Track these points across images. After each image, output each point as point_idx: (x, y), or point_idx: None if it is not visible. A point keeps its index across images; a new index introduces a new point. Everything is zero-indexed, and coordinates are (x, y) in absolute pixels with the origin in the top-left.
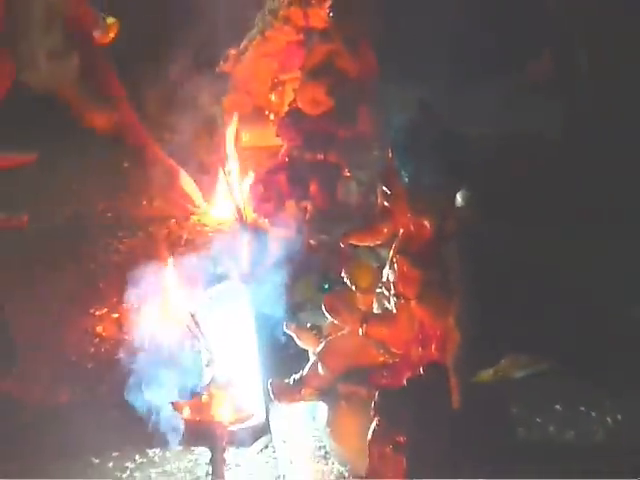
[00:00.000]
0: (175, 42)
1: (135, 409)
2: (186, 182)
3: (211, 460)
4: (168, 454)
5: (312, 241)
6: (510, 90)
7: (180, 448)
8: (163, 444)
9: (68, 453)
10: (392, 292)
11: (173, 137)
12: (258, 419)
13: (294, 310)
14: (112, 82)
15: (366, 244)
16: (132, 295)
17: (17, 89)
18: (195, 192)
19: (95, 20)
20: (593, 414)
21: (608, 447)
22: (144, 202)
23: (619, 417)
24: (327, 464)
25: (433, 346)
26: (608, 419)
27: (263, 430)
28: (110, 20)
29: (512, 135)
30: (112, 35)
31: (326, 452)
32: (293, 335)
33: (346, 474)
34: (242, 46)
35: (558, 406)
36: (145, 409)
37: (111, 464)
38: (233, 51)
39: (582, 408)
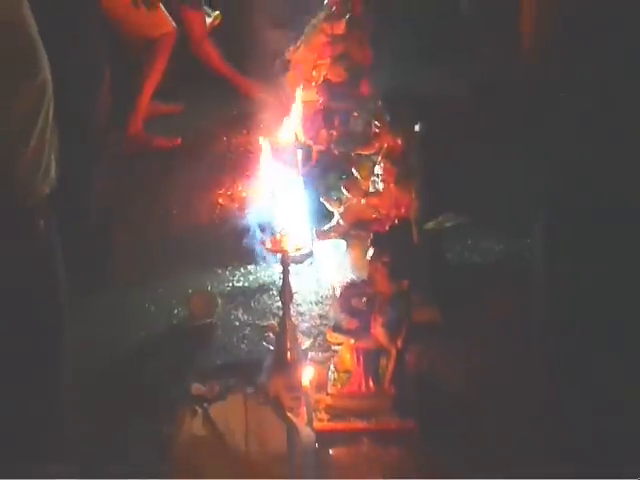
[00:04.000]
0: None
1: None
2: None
3: (282, 272)
4: (250, 268)
5: (336, 152)
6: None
7: (261, 265)
8: (250, 261)
9: (178, 270)
10: (380, 179)
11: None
12: (307, 249)
13: (327, 189)
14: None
15: (366, 153)
16: (240, 182)
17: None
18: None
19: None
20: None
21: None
22: (244, 131)
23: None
24: (346, 274)
25: (403, 209)
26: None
27: (309, 255)
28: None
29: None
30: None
31: (345, 267)
32: (326, 203)
33: (357, 279)
34: (298, 44)
35: (470, 241)
36: (241, 246)
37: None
38: (292, 47)
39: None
